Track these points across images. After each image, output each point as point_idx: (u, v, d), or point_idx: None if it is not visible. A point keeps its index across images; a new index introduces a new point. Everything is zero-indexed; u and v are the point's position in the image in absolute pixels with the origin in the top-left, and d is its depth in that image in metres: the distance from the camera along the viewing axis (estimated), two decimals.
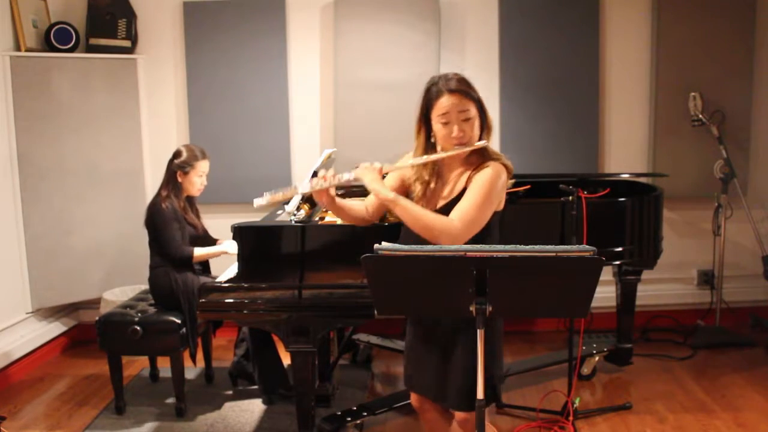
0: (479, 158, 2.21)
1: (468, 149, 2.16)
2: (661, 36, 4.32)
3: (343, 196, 2.42)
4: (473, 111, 2.15)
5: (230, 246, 3.35)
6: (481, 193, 2.12)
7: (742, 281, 4.51)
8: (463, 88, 2.15)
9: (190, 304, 3.27)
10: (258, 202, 2.27)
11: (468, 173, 2.19)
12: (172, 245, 3.30)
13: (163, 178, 3.41)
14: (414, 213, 2.13)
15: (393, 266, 1.77)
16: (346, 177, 2.23)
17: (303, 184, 2.29)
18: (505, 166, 2.20)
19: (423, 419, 2.42)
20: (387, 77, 4.26)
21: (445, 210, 2.16)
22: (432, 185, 2.25)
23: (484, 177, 2.14)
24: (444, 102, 2.14)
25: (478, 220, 2.11)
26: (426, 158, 2.21)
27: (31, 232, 3.97)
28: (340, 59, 4.29)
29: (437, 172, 2.27)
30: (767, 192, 4.51)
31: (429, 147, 2.25)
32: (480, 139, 2.18)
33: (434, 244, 2.08)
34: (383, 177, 2.24)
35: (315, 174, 2.98)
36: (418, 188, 2.26)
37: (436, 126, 2.18)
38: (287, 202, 2.82)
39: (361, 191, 2.50)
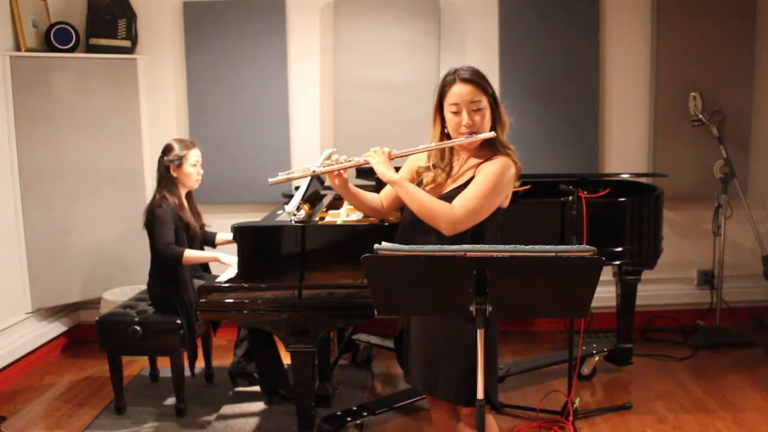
0: (490, 151, 2.22)
1: (477, 138, 2.17)
2: (661, 36, 4.32)
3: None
4: (485, 103, 2.17)
5: (226, 255, 3.27)
6: (486, 183, 2.13)
7: (742, 281, 4.51)
8: (476, 79, 2.17)
9: (189, 318, 3.25)
10: (272, 180, 2.37)
11: (477, 164, 2.21)
12: (161, 242, 3.20)
13: (157, 178, 3.35)
14: (416, 196, 2.17)
15: (393, 266, 1.77)
16: (356, 160, 2.32)
17: (317, 164, 2.39)
18: (515, 162, 2.21)
19: (433, 414, 2.44)
20: (387, 77, 4.26)
21: (450, 196, 2.17)
22: (442, 173, 2.27)
23: (491, 168, 2.16)
24: (456, 90, 2.16)
25: (479, 210, 2.12)
26: (434, 145, 2.24)
27: (31, 232, 3.97)
28: (340, 59, 4.29)
29: (449, 162, 2.29)
30: (767, 192, 4.52)
31: (444, 137, 2.27)
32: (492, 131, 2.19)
33: (430, 241, 2.11)
34: (395, 166, 2.27)
35: None
36: (428, 176, 2.28)
37: (448, 115, 2.20)
38: (290, 197, 2.82)
39: (375, 189, 2.55)
